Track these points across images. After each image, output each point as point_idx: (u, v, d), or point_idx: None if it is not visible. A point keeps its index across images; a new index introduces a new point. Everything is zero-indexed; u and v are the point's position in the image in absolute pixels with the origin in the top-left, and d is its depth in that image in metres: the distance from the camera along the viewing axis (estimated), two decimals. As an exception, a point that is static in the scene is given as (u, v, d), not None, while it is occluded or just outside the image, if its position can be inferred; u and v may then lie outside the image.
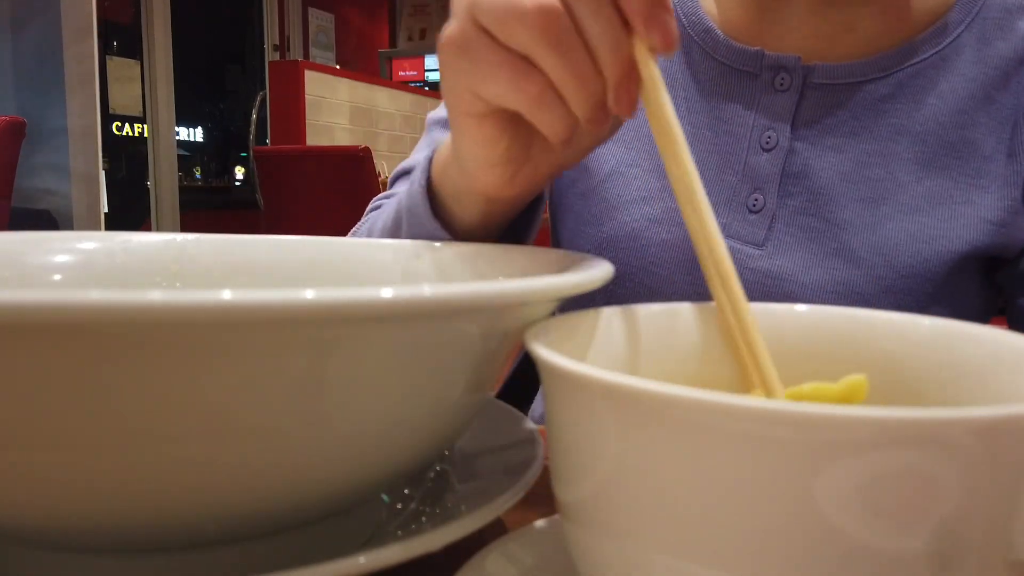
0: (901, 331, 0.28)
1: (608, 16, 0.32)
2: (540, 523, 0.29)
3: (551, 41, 0.33)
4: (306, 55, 5.38)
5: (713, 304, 0.30)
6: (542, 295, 0.25)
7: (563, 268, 0.34)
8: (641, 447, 0.19)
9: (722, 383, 0.29)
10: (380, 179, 3.26)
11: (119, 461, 0.21)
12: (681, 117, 0.55)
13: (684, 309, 0.30)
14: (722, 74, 0.58)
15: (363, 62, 6.05)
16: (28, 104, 3.16)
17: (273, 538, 0.27)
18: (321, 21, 5.62)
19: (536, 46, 0.33)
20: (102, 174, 3.36)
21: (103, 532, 0.25)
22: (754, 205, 0.56)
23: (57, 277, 0.39)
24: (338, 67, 5.30)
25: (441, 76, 0.37)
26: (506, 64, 0.34)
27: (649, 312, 0.30)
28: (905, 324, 0.28)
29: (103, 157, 3.41)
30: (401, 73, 5.89)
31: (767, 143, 0.56)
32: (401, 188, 0.57)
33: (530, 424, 0.36)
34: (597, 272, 0.28)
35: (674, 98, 0.55)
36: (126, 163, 4.70)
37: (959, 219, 0.53)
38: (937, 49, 0.54)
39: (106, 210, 3.47)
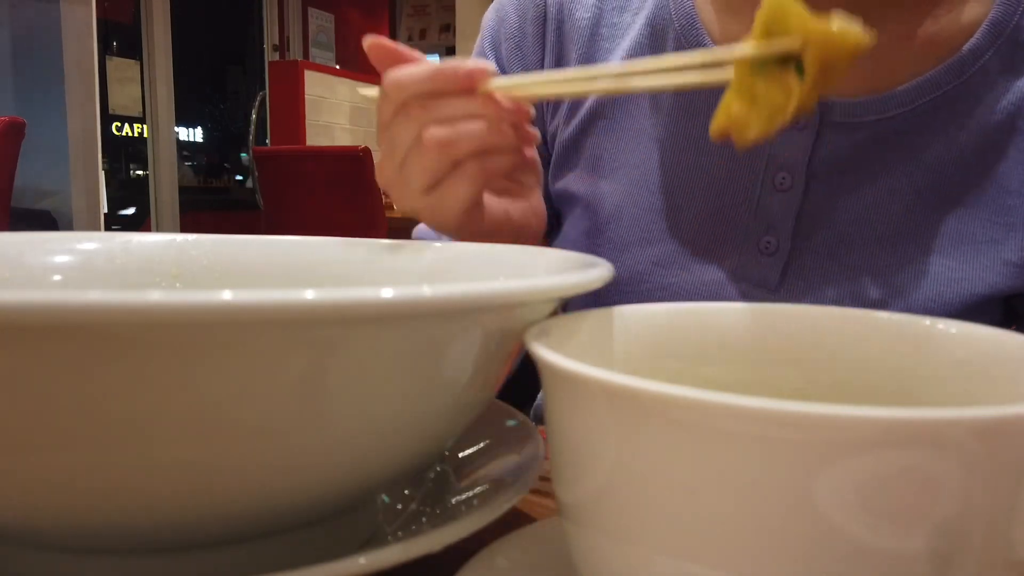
0: (901, 331, 0.28)
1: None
2: (540, 523, 0.29)
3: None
4: (306, 55, 5.38)
5: (713, 305, 0.30)
6: (542, 295, 0.25)
7: (563, 268, 0.34)
8: (641, 447, 0.19)
9: (722, 383, 0.29)
10: (380, 179, 3.25)
11: (119, 461, 0.21)
12: (691, 153, 0.55)
13: (685, 309, 0.30)
14: None
15: (363, 62, 6.04)
16: (28, 104, 3.16)
17: (273, 538, 0.27)
18: (321, 21, 5.62)
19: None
20: (102, 174, 3.36)
21: (103, 532, 0.25)
22: (767, 247, 0.53)
23: (57, 277, 0.39)
24: (338, 67, 5.29)
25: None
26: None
27: (649, 312, 0.30)
28: (905, 324, 0.28)
29: (103, 157, 3.41)
30: (401, 73, 5.87)
31: (782, 183, 0.53)
32: None
33: (530, 424, 0.36)
34: (597, 272, 0.28)
35: (683, 134, 0.55)
36: (126, 163, 4.70)
37: (981, 259, 0.50)
38: (962, 78, 0.51)
39: (106, 210, 3.47)
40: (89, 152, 3.28)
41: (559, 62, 0.60)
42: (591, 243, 0.59)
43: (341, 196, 2.81)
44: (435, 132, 0.42)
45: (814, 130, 0.52)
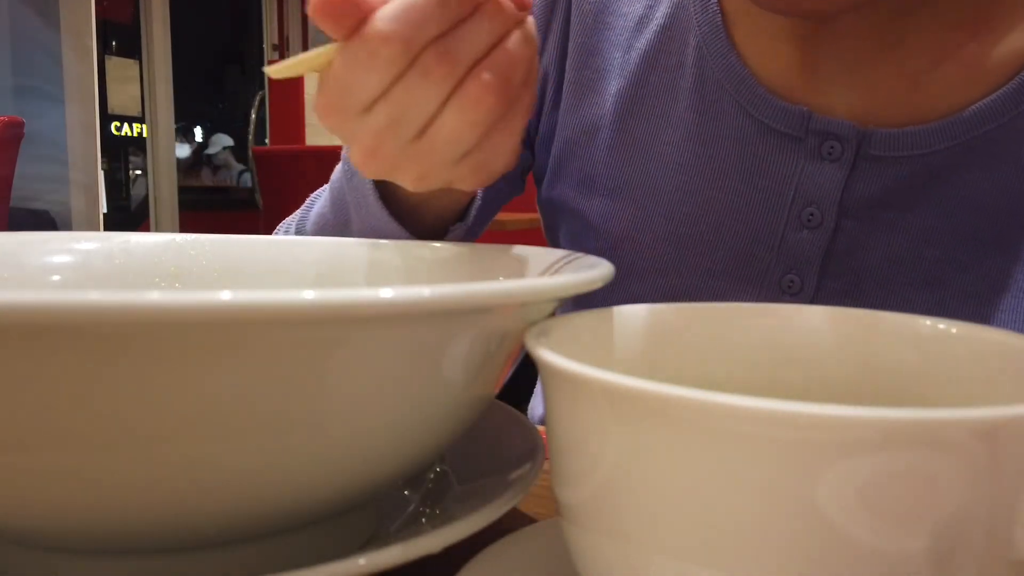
0: (901, 331, 0.28)
1: None
2: (540, 523, 0.29)
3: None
4: (305, 55, 5.37)
5: (713, 305, 0.30)
6: (542, 295, 0.25)
7: (563, 268, 0.34)
8: (641, 447, 0.19)
9: (723, 383, 0.29)
10: (379, 179, 3.26)
11: (118, 462, 0.21)
12: (706, 179, 0.50)
13: (685, 309, 0.30)
14: (760, 134, 0.48)
15: (362, 62, 6.04)
16: (27, 104, 3.16)
17: (273, 539, 0.27)
18: (320, 21, 5.61)
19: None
20: (101, 174, 3.36)
21: (101, 533, 0.25)
22: (790, 286, 0.48)
23: (56, 278, 0.39)
24: (337, 67, 5.28)
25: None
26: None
27: (650, 312, 0.30)
28: (905, 324, 0.28)
29: (102, 157, 3.41)
30: (400, 73, 5.87)
31: (810, 220, 0.47)
32: (336, 177, 0.53)
33: (530, 424, 0.36)
34: (597, 272, 0.28)
35: (698, 156, 0.49)
36: (125, 163, 4.70)
37: (1021, 311, 0.46)
38: (1021, 108, 0.45)
39: (105, 210, 3.47)
40: (88, 152, 3.28)
41: (563, 47, 0.54)
42: None
43: (341, 196, 2.80)
44: (486, 78, 0.33)
45: (849, 163, 0.46)
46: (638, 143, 0.52)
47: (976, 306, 0.46)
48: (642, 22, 0.52)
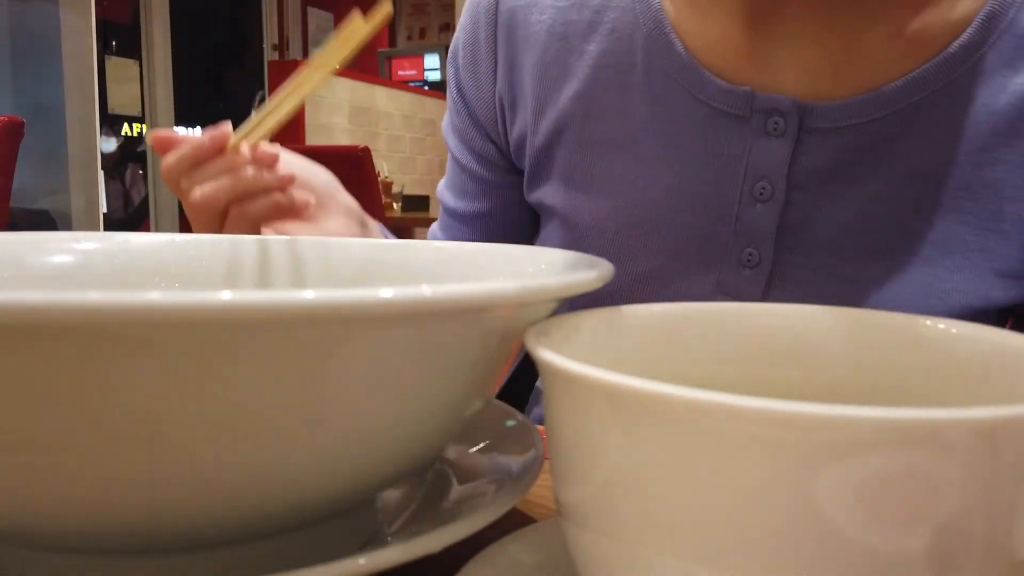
0: (901, 331, 0.28)
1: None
2: (540, 523, 0.29)
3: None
4: (305, 55, 5.38)
5: (713, 305, 0.30)
6: (542, 295, 0.25)
7: (563, 268, 0.34)
8: (641, 447, 0.19)
9: (723, 383, 0.29)
10: (380, 179, 3.26)
11: (118, 462, 0.21)
12: (664, 165, 0.53)
13: (685, 309, 0.30)
14: (709, 117, 0.51)
15: (363, 61, 6.04)
16: (26, 104, 3.15)
17: (273, 539, 0.27)
18: (320, 20, 5.62)
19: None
20: (101, 174, 3.36)
21: (101, 533, 0.25)
22: (749, 260, 0.51)
23: (56, 277, 0.39)
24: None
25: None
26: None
27: (649, 312, 0.30)
28: (905, 324, 0.28)
29: (102, 157, 3.41)
30: (400, 72, 5.89)
31: (762, 194, 0.50)
32: None
33: (530, 424, 0.36)
34: (597, 272, 0.28)
35: (654, 145, 0.53)
36: (125, 163, 4.69)
37: (974, 270, 0.48)
38: (953, 77, 0.47)
39: (105, 210, 3.46)
40: (88, 152, 3.28)
41: (512, 68, 0.58)
42: None
43: (341, 196, 2.79)
44: (194, 194, 0.50)
45: (793, 136, 0.49)
46: (599, 140, 0.55)
47: (928, 270, 0.48)
48: (591, 27, 0.55)
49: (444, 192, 0.68)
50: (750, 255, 0.51)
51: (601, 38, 0.55)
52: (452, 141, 0.65)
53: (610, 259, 0.53)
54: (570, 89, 0.55)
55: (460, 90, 0.62)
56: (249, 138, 0.51)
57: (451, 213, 0.67)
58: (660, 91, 0.53)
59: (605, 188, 0.55)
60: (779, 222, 0.50)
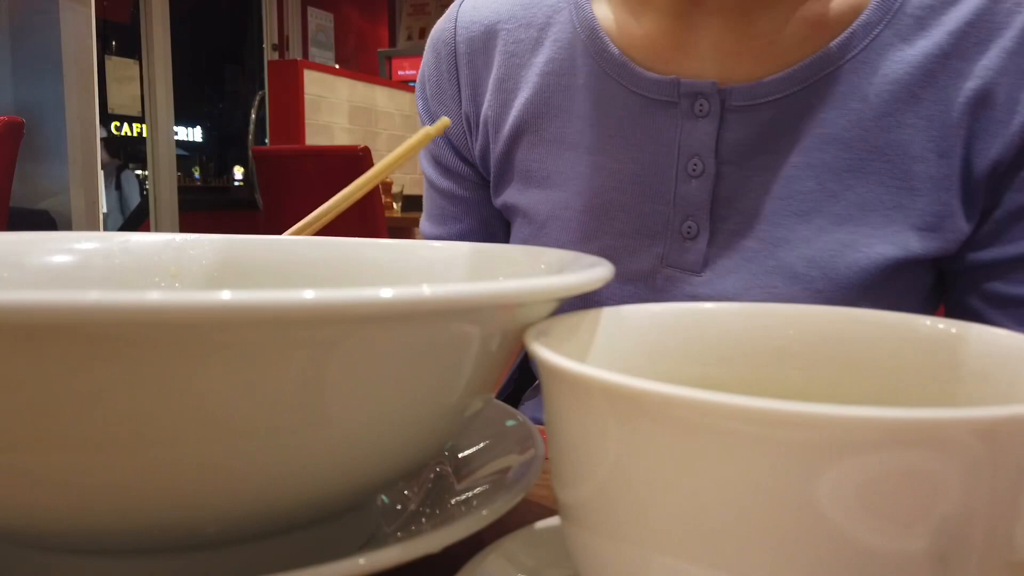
0: (901, 331, 0.28)
1: None
2: (540, 523, 0.29)
3: None
4: (305, 54, 5.38)
5: (713, 305, 0.30)
6: (542, 295, 0.25)
7: (563, 268, 0.34)
8: (641, 447, 0.19)
9: (723, 383, 0.29)
10: (379, 179, 3.25)
11: (117, 462, 0.21)
12: (608, 154, 0.58)
13: (685, 309, 0.30)
14: (644, 107, 0.57)
15: (362, 61, 6.05)
16: (27, 104, 3.15)
17: (272, 539, 0.27)
18: (320, 20, 5.62)
19: None
20: (101, 174, 3.36)
21: (101, 533, 0.25)
22: (688, 232, 0.56)
23: (56, 277, 0.39)
24: (337, 66, 5.29)
25: None
26: None
27: (649, 312, 0.30)
28: (905, 324, 0.28)
29: (102, 157, 3.41)
30: (400, 72, 5.89)
31: (694, 170, 0.55)
32: None
33: (530, 424, 0.36)
34: (597, 272, 0.28)
35: (598, 136, 0.59)
36: (125, 163, 4.70)
37: (891, 225, 0.52)
38: (855, 52, 0.53)
39: (105, 210, 3.47)
40: (88, 152, 3.28)
41: (474, 90, 0.65)
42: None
43: (340, 196, 2.80)
44: None
45: (717, 116, 0.54)
46: (551, 139, 0.61)
47: (849, 228, 0.53)
48: (537, 43, 0.62)
49: (425, 225, 0.73)
50: (689, 227, 0.56)
51: (546, 50, 0.62)
52: (429, 169, 0.71)
53: (567, 244, 0.60)
54: (522, 97, 0.62)
55: (432, 117, 0.68)
56: (305, 232, 0.49)
57: (435, 239, 0.73)
58: (599, 88, 0.59)
59: (557, 181, 0.61)
60: (712, 195, 0.55)
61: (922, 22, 0.53)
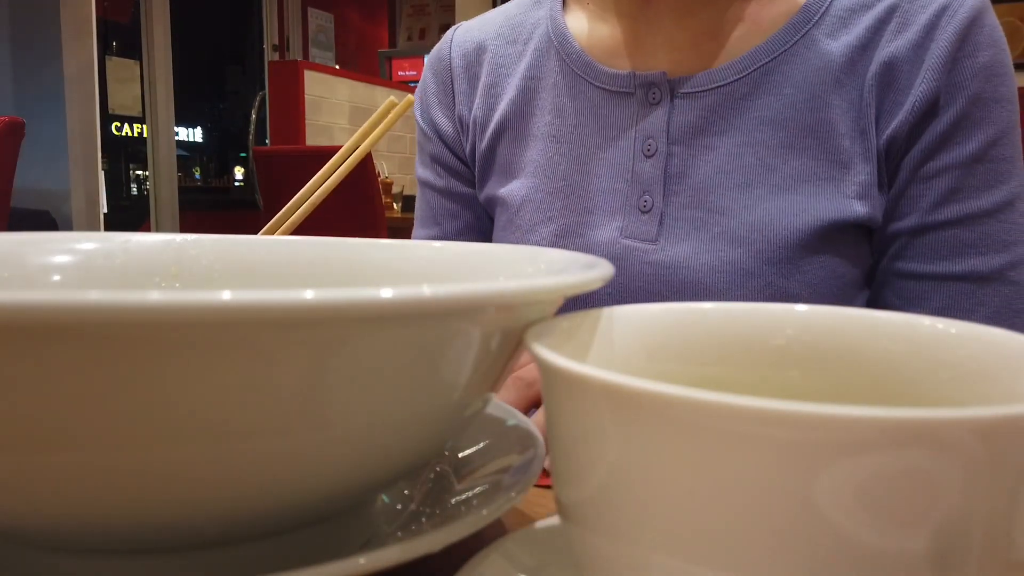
0: (901, 331, 0.28)
1: None
2: (540, 523, 0.29)
3: None
4: (305, 55, 5.38)
5: (713, 305, 0.30)
6: (542, 295, 0.25)
7: (563, 268, 0.34)
8: (641, 447, 0.19)
9: (723, 383, 0.29)
10: (380, 179, 3.26)
11: (118, 462, 0.21)
12: (574, 141, 0.68)
13: (685, 309, 0.30)
14: (605, 98, 0.66)
15: (363, 62, 6.05)
16: (27, 104, 3.16)
17: (273, 539, 0.27)
18: (321, 21, 5.62)
19: None
20: (101, 174, 3.36)
21: (101, 533, 0.25)
22: (644, 206, 0.64)
23: (57, 278, 0.39)
24: (338, 67, 5.29)
25: None
26: None
27: (649, 312, 0.30)
28: (905, 324, 0.28)
29: (102, 157, 3.41)
30: (401, 73, 5.89)
31: (648, 151, 0.64)
32: None
33: (530, 424, 0.36)
34: (597, 272, 0.28)
35: (566, 126, 0.69)
36: (126, 163, 4.70)
37: (824, 193, 0.60)
38: (787, 46, 0.62)
39: (105, 210, 3.47)
40: (88, 152, 3.28)
41: (468, 97, 0.75)
42: (505, 232, 0.70)
43: (341, 196, 2.80)
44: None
45: (668, 103, 0.64)
46: (528, 134, 0.71)
47: (787, 196, 0.60)
48: (521, 55, 0.73)
49: (419, 232, 0.80)
50: (645, 202, 0.64)
51: (527, 59, 0.72)
52: (427, 171, 0.79)
53: (536, 223, 0.69)
54: (506, 100, 0.72)
55: (433, 123, 0.77)
56: (285, 227, 0.51)
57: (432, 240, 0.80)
58: (566, 85, 0.69)
59: (531, 170, 0.70)
60: (665, 171, 0.63)
61: (845, 21, 0.62)
